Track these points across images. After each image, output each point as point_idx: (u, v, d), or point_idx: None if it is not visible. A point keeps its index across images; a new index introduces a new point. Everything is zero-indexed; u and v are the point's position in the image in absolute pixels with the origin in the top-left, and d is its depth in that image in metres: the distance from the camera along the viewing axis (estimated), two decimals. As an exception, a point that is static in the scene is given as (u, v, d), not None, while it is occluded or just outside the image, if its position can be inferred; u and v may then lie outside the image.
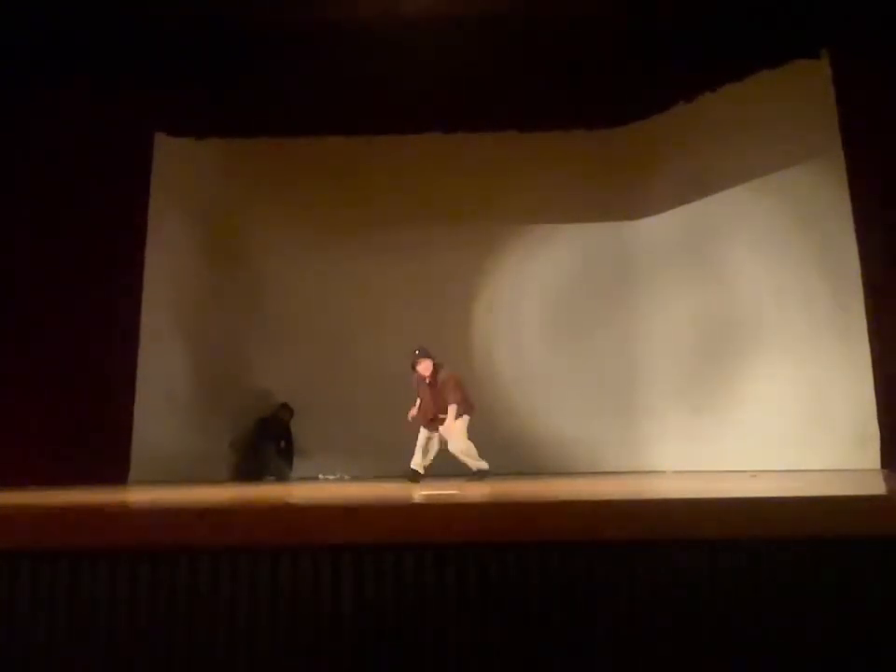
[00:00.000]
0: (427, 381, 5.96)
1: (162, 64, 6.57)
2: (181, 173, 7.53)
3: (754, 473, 5.12)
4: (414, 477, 5.74)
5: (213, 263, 7.80)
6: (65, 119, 6.57)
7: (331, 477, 7.23)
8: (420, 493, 3.64)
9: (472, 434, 5.91)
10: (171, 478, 6.38)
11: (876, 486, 3.42)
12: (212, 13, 6.16)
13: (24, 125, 6.51)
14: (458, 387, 5.91)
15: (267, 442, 7.56)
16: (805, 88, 6.48)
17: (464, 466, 5.84)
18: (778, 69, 6.61)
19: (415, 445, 5.90)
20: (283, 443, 7.62)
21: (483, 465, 5.80)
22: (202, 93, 7.02)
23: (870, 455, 5.78)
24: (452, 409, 5.78)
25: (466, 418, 5.87)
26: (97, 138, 6.65)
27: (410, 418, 5.93)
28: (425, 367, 5.96)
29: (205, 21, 6.22)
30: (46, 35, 6.15)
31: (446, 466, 5.92)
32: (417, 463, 5.81)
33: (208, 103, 7.19)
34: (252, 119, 7.44)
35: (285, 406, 7.63)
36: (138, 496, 3.94)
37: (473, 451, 5.83)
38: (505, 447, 7.20)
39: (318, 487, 5.34)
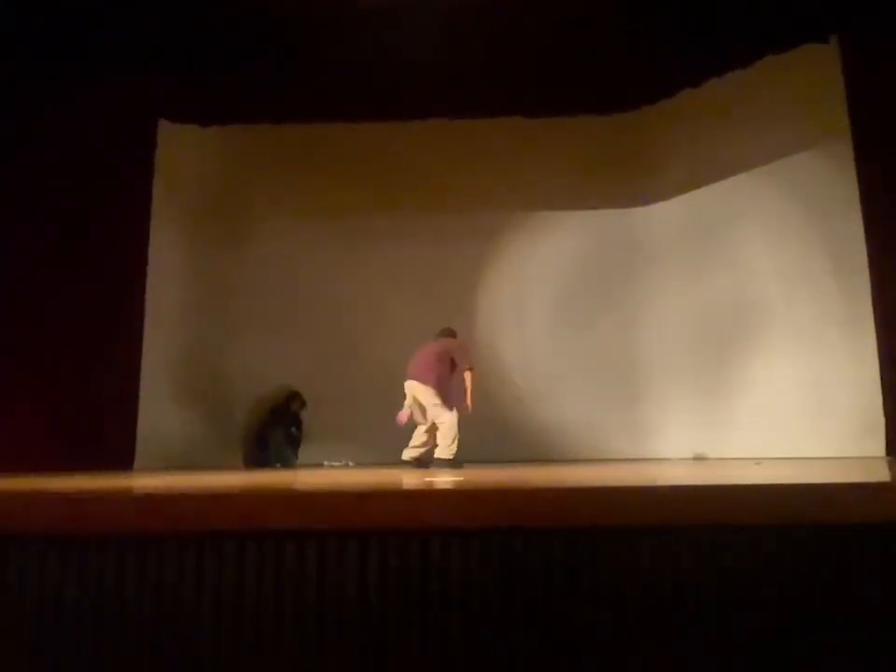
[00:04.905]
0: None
1: (166, 51, 6.55)
2: (185, 160, 7.52)
3: (759, 461, 5.12)
4: (456, 464, 5.62)
5: (217, 250, 7.80)
6: (67, 106, 6.55)
7: (336, 464, 7.26)
8: (425, 479, 3.64)
9: (477, 421, 5.90)
10: (175, 465, 6.41)
11: (882, 474, 3.42)
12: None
13: (26, 113, 6.50)
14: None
15: (277, 430, 7.59)
16: (814, 73, 6.44)
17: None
18: (786, 54, 6.57)
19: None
20: (294, 431, 7.64)
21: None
22: (205, 80, 7.00)
23: (875, 443, 5.79)
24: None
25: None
26: (100, 125, 6.63)
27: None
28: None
29: (209, 8, 6.20)
30: (48, 21, 6.13)
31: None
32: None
33: (212, 89, 7.17)
34: (256, 105, 7.43)
35: (297, 395, 7.64)
36: (142, 482, 3.96)
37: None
38: (509, 434, 7.22)
39: (325, 473, 5.35)
